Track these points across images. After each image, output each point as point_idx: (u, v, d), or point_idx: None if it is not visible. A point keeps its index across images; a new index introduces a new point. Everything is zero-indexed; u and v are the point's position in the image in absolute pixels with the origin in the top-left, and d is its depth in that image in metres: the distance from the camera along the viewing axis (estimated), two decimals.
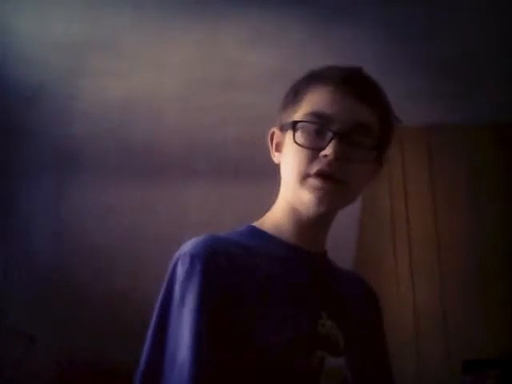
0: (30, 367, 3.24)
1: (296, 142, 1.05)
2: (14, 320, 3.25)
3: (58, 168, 3.26)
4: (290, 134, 1.07)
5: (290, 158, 1.08)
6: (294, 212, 1.09)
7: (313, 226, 1.09)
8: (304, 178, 1.04)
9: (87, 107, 2.80)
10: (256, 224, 1.15)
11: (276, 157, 1.15)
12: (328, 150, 1.01)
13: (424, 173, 2.74)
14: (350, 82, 1.06)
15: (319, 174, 1.02)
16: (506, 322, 2.41)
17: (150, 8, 2.22)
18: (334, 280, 1.12)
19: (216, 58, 2.51)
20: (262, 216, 1.18)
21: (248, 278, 0.99)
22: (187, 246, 1.04)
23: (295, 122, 1.07)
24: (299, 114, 1.08)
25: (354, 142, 1.04)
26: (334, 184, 1.02)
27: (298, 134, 1.06)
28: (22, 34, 2.33)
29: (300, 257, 1.09)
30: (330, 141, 1.02)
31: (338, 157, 1.01)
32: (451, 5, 2.18)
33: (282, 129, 1.12)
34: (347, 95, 1.05)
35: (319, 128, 1.04)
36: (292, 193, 1.08)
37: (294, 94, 1.13)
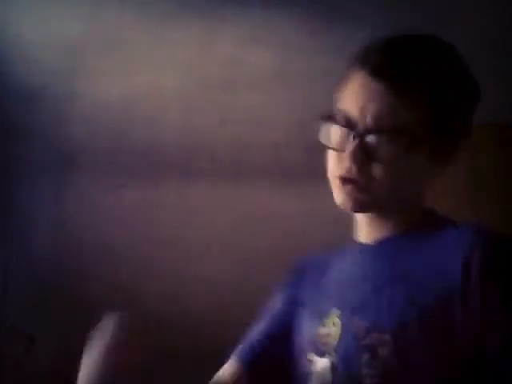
0: (30, 367, 3.24)
1: (320, 139, 0.99)
2: (13, 320, 3.25)
3: (57, 168, 3.26)
4: (323, 125, 1.00)
5: (328, 154, 1.01)
6: None
7: (363, 218, 1.03)
8: (334, 178, 0.99)
9: (87, 107, 2.80)
10: None
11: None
12: (347, 154, 0.94)
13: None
14: (385, 71, 0.95)
15: (340, 178, 0.96)
16: None
17: (150, 8, 2.22)
18: (393, 264, 0.98)
19: (216, 58, 2.51)
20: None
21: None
22: None
23: (325, 117, 0.99)
24: (335, 105, 1.00)
25: (385, 140, 0.93)
26: (356, 189, 0.95)
27: (328, 130, 0.99)
28: (22, 34, 2.33)
29: (350, 252, 1.06)
30: (352, 144, 0.94)
31: (356, 162, 0.93)
32: (451, 5, 2.18)
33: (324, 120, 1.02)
34: (379, 88, 0.94)
35: (344, 126, 0.96)
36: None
37: (343, 79, 1.03)
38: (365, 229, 1.04)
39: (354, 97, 0.97)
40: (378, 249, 1.00)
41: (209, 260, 3.28)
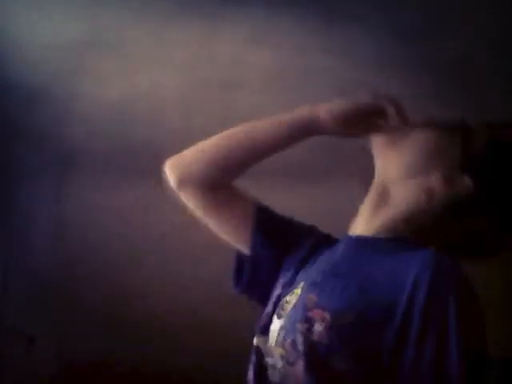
0: (30, 367, 3.24)
1: None
2: (13, 320, 3.25)
3: (57, 168, 3.26)
4: None
5: None
6: None
7: (371, 203, 1.10)
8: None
9: (87, 107, 2.80)
10: None
11: None
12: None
13: None
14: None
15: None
16: (505, 323, 2.41)
17: (150, 8, 2.22)
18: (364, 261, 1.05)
19: (216, 58, 2.51)
20: None
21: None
22: None
23: None
24: None
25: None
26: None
27: None
28: (22, 34, 2.33)
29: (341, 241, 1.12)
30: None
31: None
32: (451, 5, 2.18)
33: None
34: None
35: None
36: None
37: None
38: (362, 217, 1.10)
39: None
40: (355, 243, 1.07)
41: (209, 260, 3.28)
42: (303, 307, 1.00)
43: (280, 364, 1.01)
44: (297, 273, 1.12)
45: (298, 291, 1.06)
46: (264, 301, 1.16)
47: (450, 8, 2.20)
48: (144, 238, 3.49)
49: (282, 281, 1.14)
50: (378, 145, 1.11)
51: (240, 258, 1.22)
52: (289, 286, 1.10)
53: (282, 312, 1.06)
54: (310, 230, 1.21)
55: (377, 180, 1.10)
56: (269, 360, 1.04)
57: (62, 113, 2.83)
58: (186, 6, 2.21)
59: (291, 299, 1.06)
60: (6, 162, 3.13)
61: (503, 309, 2.58)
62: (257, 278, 1.19)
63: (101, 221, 3.47)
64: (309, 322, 0.98)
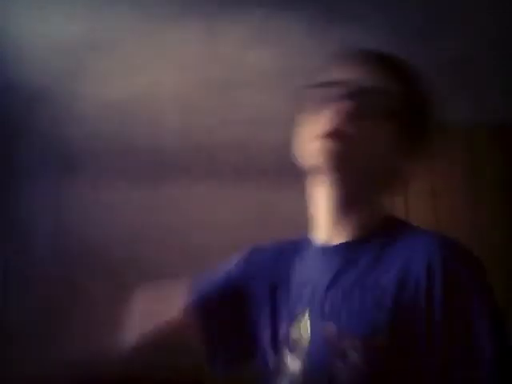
0: (30, 367, 3.24)
1: (314, 86, 1.06)
2: (13, 320, 3.25)
3: (58, 168, 3.26)
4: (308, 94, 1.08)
5: (303, 123, 1.09)
6: None
7: (333, 213, 1.06)
8: (311, 140, 1.04)
9: (87, 107, 2.80)
10: None
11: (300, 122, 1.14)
12: (332, 109, 1.01)
13: (424, 173, 2.74)
14: (367, 58, 1.09)
15: (324, 133, 1.01)
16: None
17: (150, 8, 2.22)
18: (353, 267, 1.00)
19: (216, 58, 2.51)
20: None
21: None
22: None
23: (313, 86, 1.07)
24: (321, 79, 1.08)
25: (368, 105, 1.02)
26: (337, 140, 1.00)
27: (311, 95, 1.06)
28: (22, 35, 2.33)
29: (312, 252, 1.08)
30: (342, 100, 1.02)
31: (348, 114, 1.00)
32: (451, 5, 2.18)
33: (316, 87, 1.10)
34: (365, 64, 1.06)
35: (335, 93, 1.03)
36: (304, 161, 1.08)
37: (323, 69, 1.12)
38: (326, 228, 1.06)
39: (340, 69, 1.06)
40: (344, 252, 1.01)
41: (209, 260, 3.27)
42: (326, 341, 0.93)
43: None
44: (274, 308, 1.07)
45: (304, 324, 0.99)
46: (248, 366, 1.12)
47: (449, 8, 2.20)
48: (144, 238, 3.49)
49: (266, 323, 1.08)
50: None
51: (208, 346, 1.17)
52: (280, 323, 1.04)
53: (296, 351, 0.98)
54: (245, 263, 1.17)
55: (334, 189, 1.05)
56: None
57: (61, 113, 2.83)
58: (186, 6, 2.20)
59: (302, 335, 0.98)
60: (6, 162, 3.13)
61: None
62: (227, 358, 1.15)
63: (101, 221, 3.46)
64: (341, 355, 0.91)
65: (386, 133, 1.03)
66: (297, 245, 1.15)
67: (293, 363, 0.98)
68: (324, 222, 1.06)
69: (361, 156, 1.01)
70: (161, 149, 3.07)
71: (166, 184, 3.30)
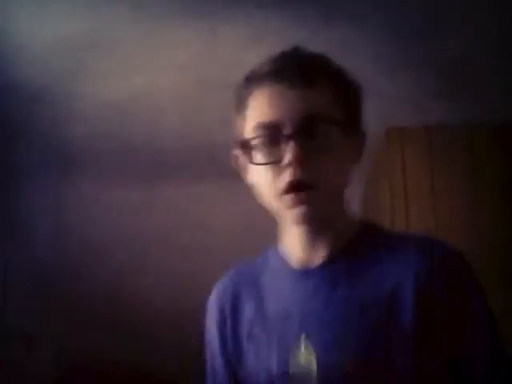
0: (30, 367, 3.24)
1: (254, 163, 0.97)
2: (13, 320, 3.25)
3: (58, 168, 3.26)
4: (246, 154, 0.98)
5: (256, 179, 1.00)
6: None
7: (307, 233, 1.00)
8: (277, 196, 0.95)
9: (87, 107, 2.80)
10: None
11: (248, 179, 1.05)
12: (287, 158, 0.91)
13: (424, 173, 2.74)
14: (285, 72, 0.96)
15: (290, 189, 0.93)
16: (503, 323, 2.40)
17: (150, 8, 2.21)
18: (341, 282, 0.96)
19: (216, 58, 2.51)
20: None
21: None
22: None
23: (244, 142, 0.97)
24: (247, 128, 0.98)
25: (314, 133, 0.93)
26: (309, 192, 0.92)
27: (254, 153, 0.96)
28: (22, 34, 2.33)
29: (290, 276, 1.01)
30: (286, 147, 0.92)
31: (300, 159, 0.91)
32: (451, 5, 2.18)
33: (241, 149, 1.01)
34: (286, 89, 0.94)
35: (272, 138, 0.94)
36: (276, 212, 0.99)
37: (238, 105, 1.03)
38: (300, 245, 1.01)
39: (271, 105, 0.95)
40: (326, 272, 0.97)
41: (209, 260, 3.27)
42: (338, 369, 0.89)
43: None
44: (258, 349, 1.00)
45: (304, 354, 0.93)
46: None
47: (449, 8, 2.20)
48: (144, 238, 3.49)
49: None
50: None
51: None
52: (269, 360, 0.96)
53: (302, 382, 0.91)
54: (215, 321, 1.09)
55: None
56: None
57: (62, 113, 2.83)
58: (186, 6, 2.20)
59: (305, 367, 0.92)
60: (6, 162, 3.13)
61: None
62: None
63: (101, 221, 3.47)
64: (357, 381, 0.88)
65: (345, 148, 0.97)
66: (260, 267, 1.08)
67: None
68: (298, 245, 1.01)
69: (332, 190, 0.96)
70: (161, 149, 3.07)
71: (165, 184, 3.30)
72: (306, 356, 0.92)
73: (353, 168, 1.00)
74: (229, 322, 1.05)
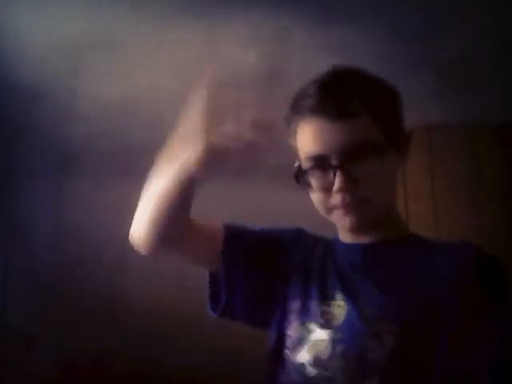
0: (30, 367, 3.24)
1: (308, 188, 1.07)
2: (13, 320, 3.25)
3: (58, 168, 3.26)
4: (302, 179, 1.08)
5: (312, 196, 1.10)
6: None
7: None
8: (329, 211, 1.07)
9: (87, 107, 2.80)
10: None
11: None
12: (336, 187, 1.02)
13: (424, 173, 2.74)
14: (324, 107, 1.04)
15: (339, 207, 1.04)
16: None
17: (150, 8, 2.21)
18: (388, 264, 1.08)
19: (216, 58, 2.51)
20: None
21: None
22: None
23: (300, 173, 1.08)
24: (301, 156, 1.08)
25: (360, 158, 1.02)
26: (358, 205, 1.03)
27: (308, 177, 1.07)
28: (22, 34, 2.33)
29: (346, 247, 1.13)
30: (334, 177, 1.02)
31: (347, 190, 1.02)
32: (451, 5, 2.18)
33: (296, 176, 1.11)
34: (326, 124, 1.03)
35: (322, 167, 1.04)
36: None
37: (289, 133, 1.13)
38: (351, 233, 1.12)
39: (315, 140, 1.04)
40: (375, 250, 1.09)
41: None
42: (362, 321, 1.00)
43: (340, 377, 0.98)
44: (307, 285, 1.12)
45: (338, 304, 1.05)
46: (252, 319, 1.17)
47: (449, 8, 2.20)
48: None
49: (293, 291, 1.13)
50: None
51: (214, 280, 1.19)
52: (310, 299, 1.09)
53: (326, 323, 1.04)
54: (294, 234, 1.22)
55: None
56: (319, 372, 1.01)
57: (62, 113, 2.83)
58: (186, 6, 2.20)
59: (335, 313, 1.05)
60: (6, 162, 3.13)
61: None
62: (235, 297, 1.16)
63: (101, 221, 3.46)
64: (376, 335, 0.98)
65: (391, 156, 1.07)
66: (325, 241, 1.20)
67: (320, 334, 1.03)
68: (345, 235, 1.13)
69: (383, 201, 1.07)
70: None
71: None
72: (339, 304, 1.06)
73: (399, 170, 1.11)
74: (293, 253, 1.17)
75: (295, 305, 1.11)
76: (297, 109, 1.10)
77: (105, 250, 3.50)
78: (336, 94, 1.05)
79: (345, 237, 1.13)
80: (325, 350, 1.01)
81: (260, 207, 3.24)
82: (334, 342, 1.01)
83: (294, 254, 1.17)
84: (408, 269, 1.04)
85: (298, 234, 1.21)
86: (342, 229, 1.11)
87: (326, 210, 1.07)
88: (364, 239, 1.10)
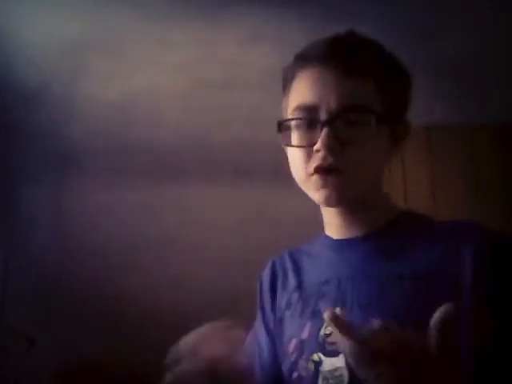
0: (30, 368, 3.24)
1: (287, 145, 0.98)
2: (13, 320, 3.25)
3: (58, 168, 3.26)
4: (283, 135, 0.99)
5: (290, 158, 1.00)
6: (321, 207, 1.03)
7: (341, 214, 1.01)
8: (307, 177, 0.96)
9: (87, 107, 2.80)
10: None
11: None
12: (318, 144, 0.92)
13: (424, 173, 2.74)
14: (331, 59, 0.95)
15: (318, 171, 0.94)
16: None
17: (150, 8, 2.22)
18: (383, 257, 0.97)
19: (216, 58, 2.51)
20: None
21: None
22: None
23: (281, 122, 0.99)
24: (289, 110, 0.99)
25: (351, 121, 0.93)
26: (336, 176, 0.93)
27: (291, 133, 0.97)
28: (22, 34, 2.33)
29: (327, 248, 1.04)
30: (320, 132, 0.92)
31: (330, 148, 0.91)
32: (451, 5, 2.18)
33: (279, 129, 1.01)
34: (329, 75, 0.94)
35: (308, 122, 0.95)
36: (305, 192, 1.00)
37: (284, 85, 1.03)
38: (337, 225, 1.02)
39: (312, 89, 0.95)
40: (364, 244, 0.99)
41: (208, 260, 3.27)
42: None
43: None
44: (295, 315, 1.02)
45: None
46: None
47: (450, 8, 2.20)
48: (144, 238, 3.49)
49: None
50: None
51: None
52: (303, 326, 0.98)
53: (333, 348, 0.92)
54: (269, 280, 1.11)
55: None
56: None
57: (62, 113, 2.83)
58: (186, 6, 2.21)
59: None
60: (6, 163, 3.13)
61: None
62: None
63: (100, 221, 3.46)
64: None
65: (383, 137, 0.97)
66: (303, 248, 1.11)
67: (331, 361, 0.93)
68: (333, 225, 1.03)
69: (362, 177, 0.96)
70: (160, 149, 3.07)
71: (165, 184, 3.30)
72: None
73: (390, 156, 1.01)
74: (278, 292, 1.09)
75: (292, 343, 1.00)
76: (303, 57, 1.02)
77: (104, 249, 3.50)
78: (349, 49, 0.97)
79: (332, 232, 1.04)
80: (341, 378, 0.91)
81: (260, 207, 3.24)
82: (344, 368, 0.91)
83: (280, 297, 1.08)
84: (405, 264, 0.93)
85: (273, 274, 1.11)
86: (318, 201, 0.98)
87: (303, 176, 0.96)
88: (352, 232, 1.00)
